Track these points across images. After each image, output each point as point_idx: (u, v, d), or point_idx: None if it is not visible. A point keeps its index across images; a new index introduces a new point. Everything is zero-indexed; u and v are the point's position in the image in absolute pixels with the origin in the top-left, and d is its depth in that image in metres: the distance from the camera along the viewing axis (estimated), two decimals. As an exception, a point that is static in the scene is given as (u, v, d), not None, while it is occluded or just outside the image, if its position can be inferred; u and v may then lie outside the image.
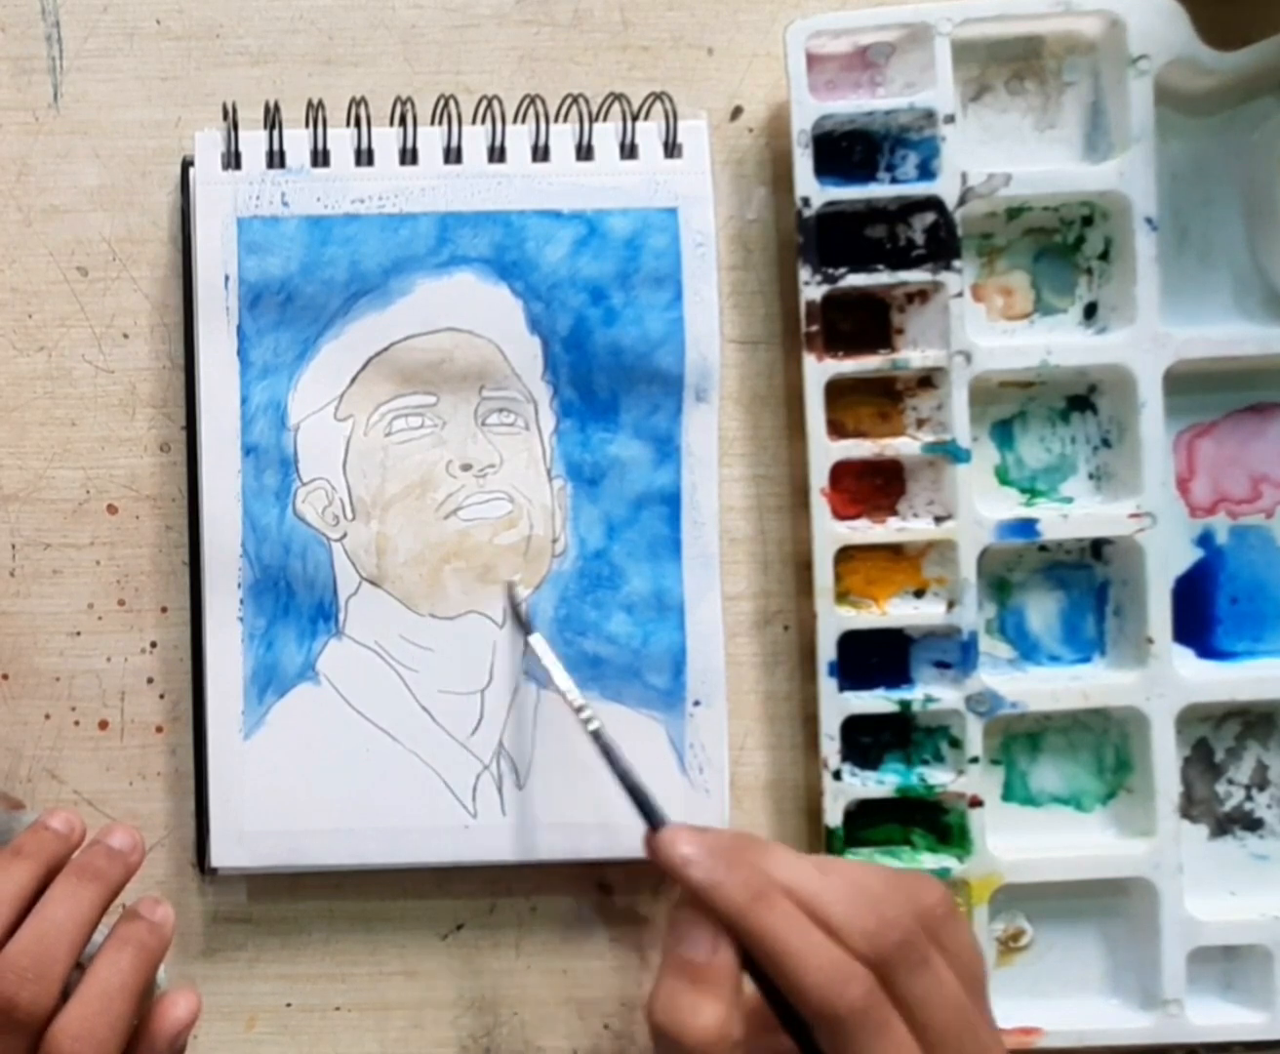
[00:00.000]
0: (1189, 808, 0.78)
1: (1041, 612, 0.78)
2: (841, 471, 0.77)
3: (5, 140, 0.79)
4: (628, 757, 0.70)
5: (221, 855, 0.75)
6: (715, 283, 0.76)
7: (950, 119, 0.75)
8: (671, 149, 0.76)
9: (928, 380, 0.77)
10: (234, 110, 0.76)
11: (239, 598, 0.75)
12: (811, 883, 0.63)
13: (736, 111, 0.79)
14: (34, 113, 0.79)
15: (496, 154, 0.76)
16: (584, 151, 0.76)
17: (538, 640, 0.74)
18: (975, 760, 0.76)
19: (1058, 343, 0.77)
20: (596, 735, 0.70)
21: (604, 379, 0.76)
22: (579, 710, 0.71)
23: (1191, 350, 0.75)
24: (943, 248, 0.76)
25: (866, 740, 0.77)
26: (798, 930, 0.62)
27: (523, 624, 0.75)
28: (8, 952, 0.64)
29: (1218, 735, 0.78)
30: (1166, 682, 0.76)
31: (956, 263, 0.76)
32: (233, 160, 0.76)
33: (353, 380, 0.76)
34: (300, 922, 0.78)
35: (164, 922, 0.69)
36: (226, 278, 0.75)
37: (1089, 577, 0.78)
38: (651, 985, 0.64)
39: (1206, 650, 0.78)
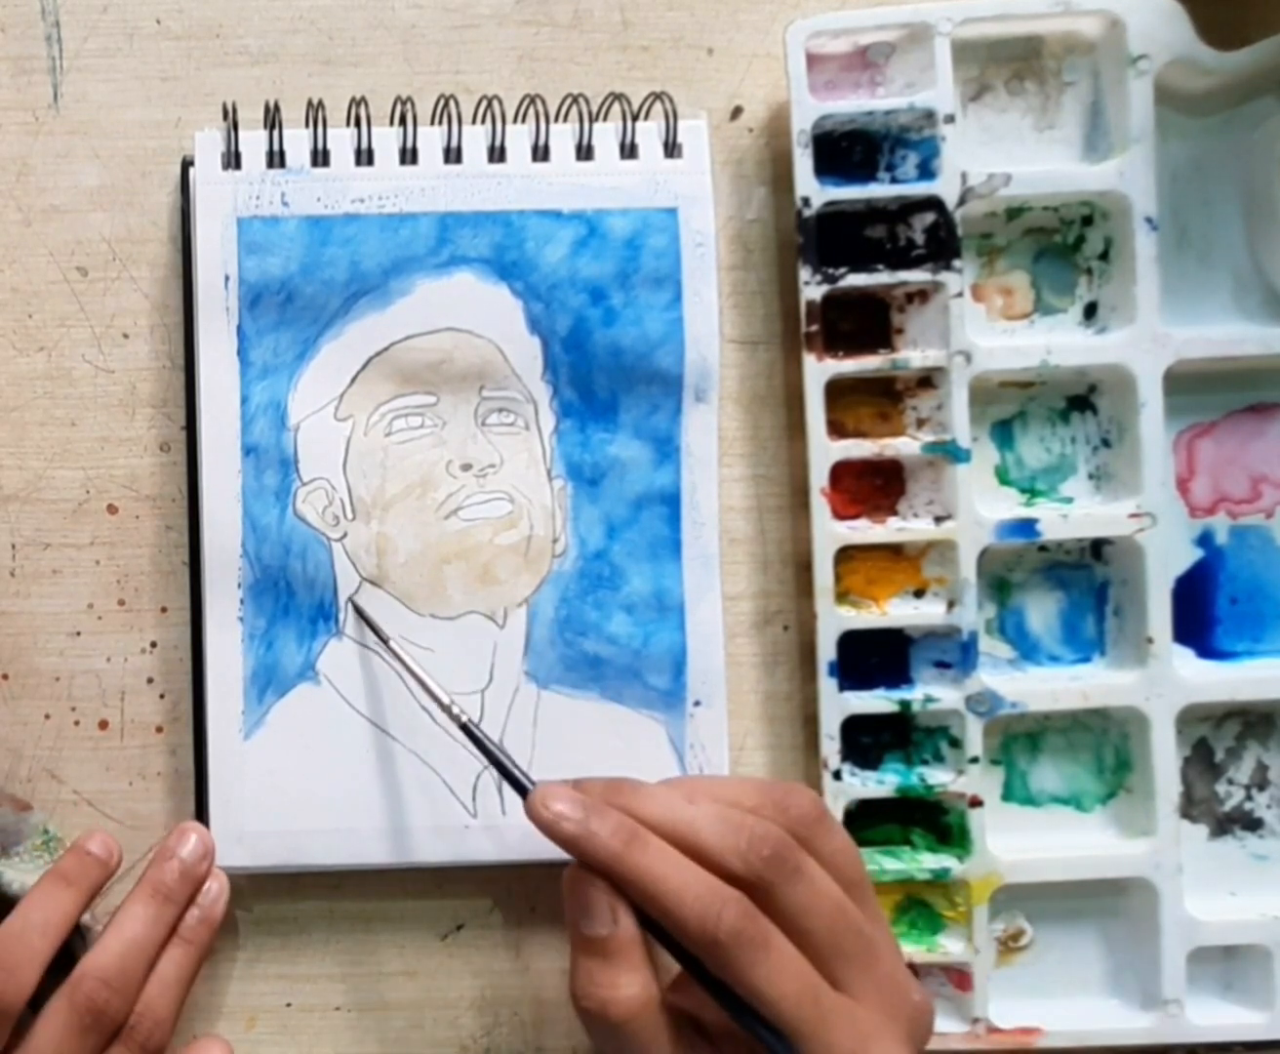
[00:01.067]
0: (1189, 808, 0.78)
1: (1041, 612, 0.78)
2: (841, 471, 0.77)
3: (5, 140, 0.79)
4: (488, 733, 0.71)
5: (222, 855, 0.75)
6: (715, 283, 0.76)
7: (950, 119, 0.75)
8: (671, 149, 0.76)
9: (928, 380, 0.77)
10: (234, 110, 0.76)
11: (239, 598, 0.75)
12: (680, 814, 0.65)
13: (736, 111, 0.79)
14: (34, 113, 0.78)
15: (496, 154, 0.76)
16: (584, 151, 0.76)
17: (396, 643, 0.74)
18: (975, 760, 0.76)
19: (1058, 343, 0.77)
20: (461, 723, 0.71)
21: (604, 379, 0.76)
22: (437, 697, 0.71)
23: (1191, 350, 0.75)
24: (943, 248, 0.76)
25: (866, 740, 0.77)
26: (670, 866, 0.63)
27: (376, 632, 0.75)
28: None
29: (1218, 735, 0.78)
30: (1166, 682, 0.75)
31: (956, 263, 0.76)
32: (233, 160, 0.75)
33: (353, 380, 0.76)
34: (300, 922, 0.78)
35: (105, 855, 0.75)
36: (226, 278, 0.75)
37: (1089, 577, 0.78)
38: (570, 966, 0.65)
39: (1206, 650, 0.78)
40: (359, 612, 0.75)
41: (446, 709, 0.71)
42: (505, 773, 0.68)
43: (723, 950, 0.62)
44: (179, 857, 0.74)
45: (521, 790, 0.67)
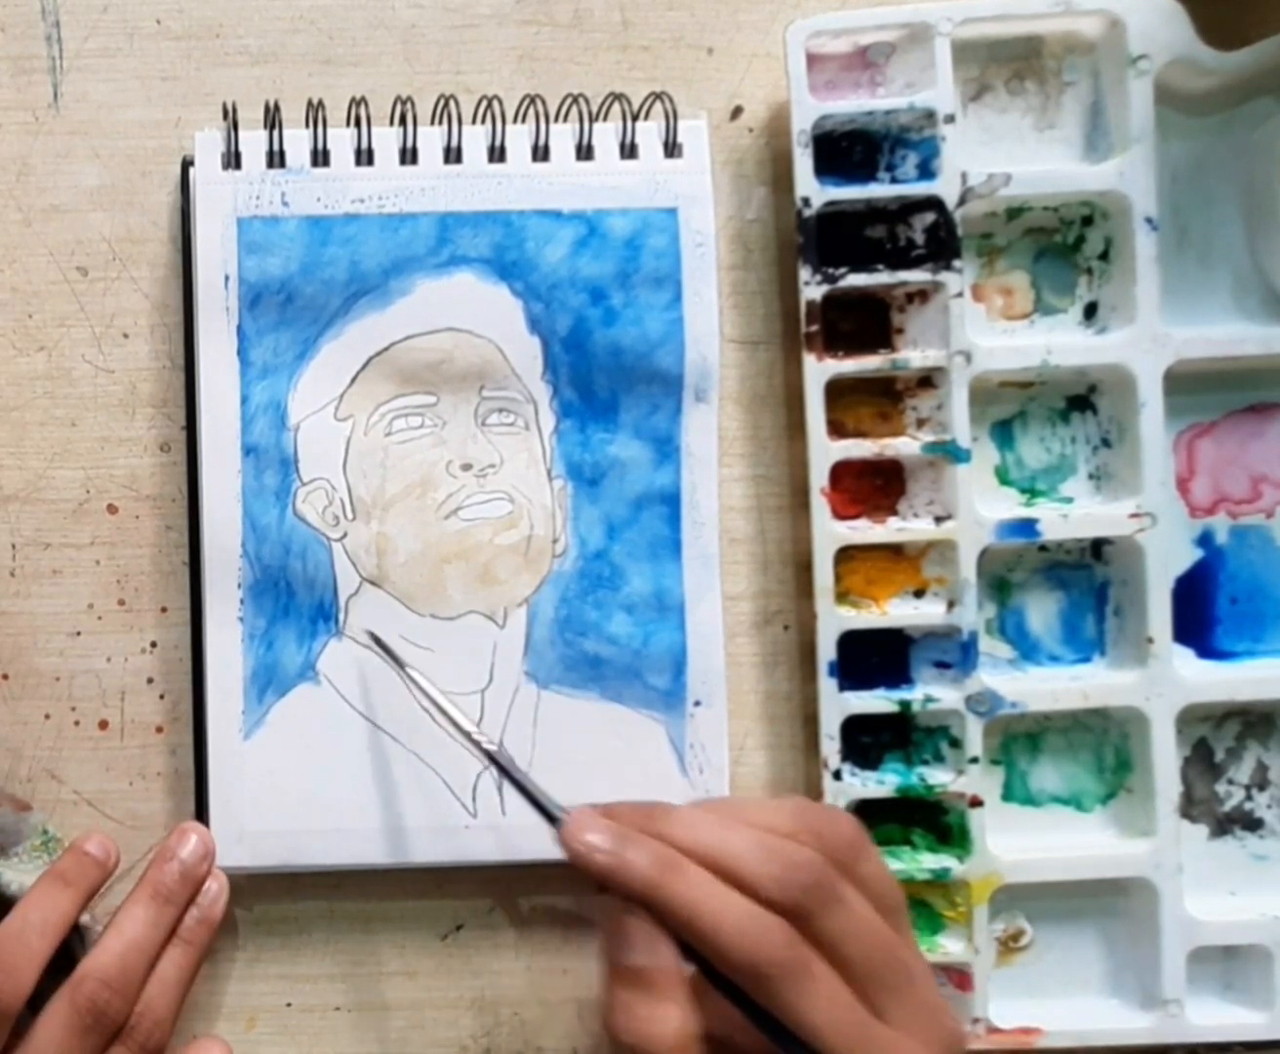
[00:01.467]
0: (1189, 808, 0.78)
1: (1041, 612, 0.78)
2: (841, 471, 0.77)
3: (5, 140, 0.78)
4: (518, 765, 0.70)
5: (222, 855, 0.75)
6: (715, 283, 0.76)
7: (950, 119, 0.75)
8: (671, 149, 0.76)
9: (928, 380, 0.77)
10: (234, 110, 0.76)
11: (239, 598, 0.75)
12: (715, 841, 0.63)
13: (736, 111, 0.79)
14: (34, 113, 0.78)
15: (496, 154, 0.76)
16: (584, 151, 0.76)
17: (414, 670, 0.74)
18: (975, 760, 0.76)
19: (1058, 343, 0.76)
20: (486, 750, 0.70)
21: (604, 379, 0.76)
22: (457, 723, 0.71)
23: (1191, 350, 0.75)
24: (943, 248, 0.76)
25: (866, 740, 0.77)
26: (709, 893, 0.62)
27: (394, 659, 0.75)
28: None
29: (1218, 735, 0.78)
30: (1166, 681, 0.75)
31: (956, 263, 0.76)
32: (233, 160, 0.75)
33: (353, 380, 0.76)
34: (300, 922, 0.78)
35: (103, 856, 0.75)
36: (226, 278, 0.75)
37: (1089, 577, 0.78)
38: (603, 999, 0.64)
39: (1206, 650, 0.78)
40: (378, 642, 0.75)
41: (469, 736, 0.70)
42: (534, 803, 0.68)
43: (765, 979, 0.61)
44: (179, 857, 0.74)
45: (552, 820, 0.66)
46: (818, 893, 0.62)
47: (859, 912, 0.63)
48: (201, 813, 0.76)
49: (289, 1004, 0.78)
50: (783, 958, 0.61)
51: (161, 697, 0.78)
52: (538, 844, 0.74)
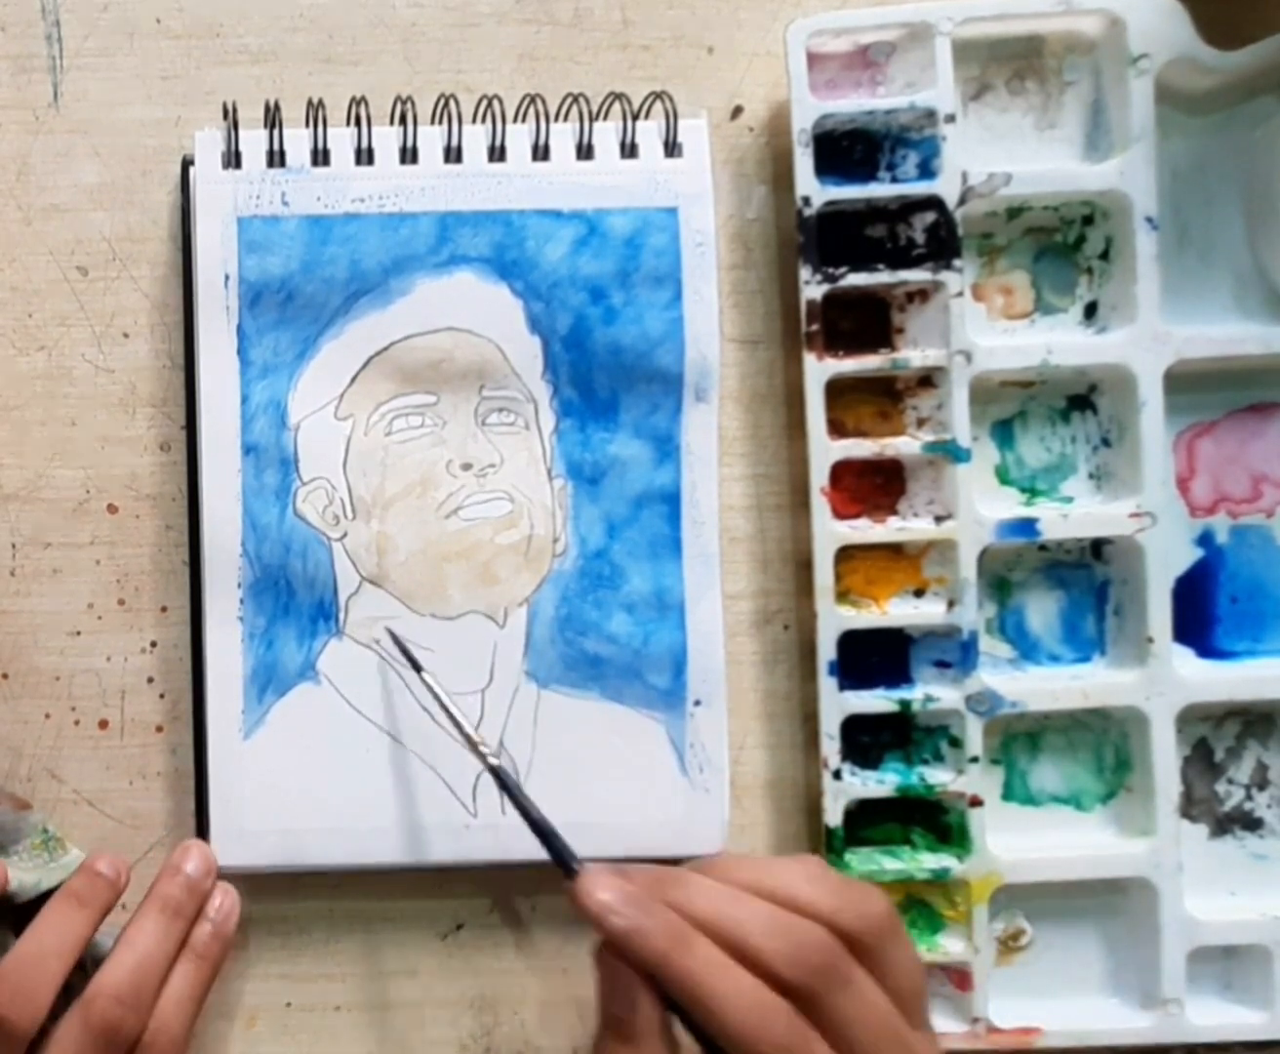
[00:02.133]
0: (1189, 807, 0.78)
1: (1041, 611, 0.78)
2: (842, 471, 0.77)
3: (5, 140, 0.78)
4: (533, 801, 0.69)
5: (222, 855, 0.75)
6: (715, 282, 0.76)
7: (951, 118, 0.75)
8: (671, 148, 0.76)
9: (928, 380, 0.77)
10: (234, 109, 0.75)
11: (239, 597, 0.75)
12: (730, 914, 0.63)
13: (736, 111, 0.79)
14: (34, 112, 0.78)
15: (496, 153, 0.76)
16: (584, 151, 0.76)
17: (430, 676, 0.73)
18: (975, 760, 0.76)
19: (1058, 342, 0.76)
20: (497, 773, 0.70)
21: (604, 378, 0.76)
22: (477, 746, 0.71)
23: (1192, 349, 0.75)
24: (943, 247, 0.76)
25: (866, 740, 0.77)
26: (718, 971, 0.62)
27: (412, 662, 0.74)
28: (1, 971, 0.69)
29: (1218, 735, 0.78)
30: (1166, 681, 0.75)
31: (957, 262, 0.76)
32: (233, 159, 0.75)
33: (353, 380, 0.76)
34: (300, 922, 0.78)
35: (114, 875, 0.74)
36: (226, 277, 0.75)
37: (1089, 576, 0.78)
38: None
39: (1206, 650, 0.78)
40: (398, 642, 0.75)
41: (483, 758, 0.70)
42: (546, 842, 0.68)
43: None
44: (185, 872, 0.74)
45: (565, 867, 0.66)
46: (827, 975, 0.62)
47: (869, 997, 0.63)
48: (201, 812, 0.76)
49: (289, 1004, 0.78)
50: (783, 1042, 0.61)
51: (161, 696, 0.78)
52: (537, 844, 0.74)
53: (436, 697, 0.72)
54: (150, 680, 0.78)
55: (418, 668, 0.74)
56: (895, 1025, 0.63)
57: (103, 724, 0.78)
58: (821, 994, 0.62)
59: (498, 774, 0.70)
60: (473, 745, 0.70)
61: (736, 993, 0.61)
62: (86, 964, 0.72)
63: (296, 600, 0.75)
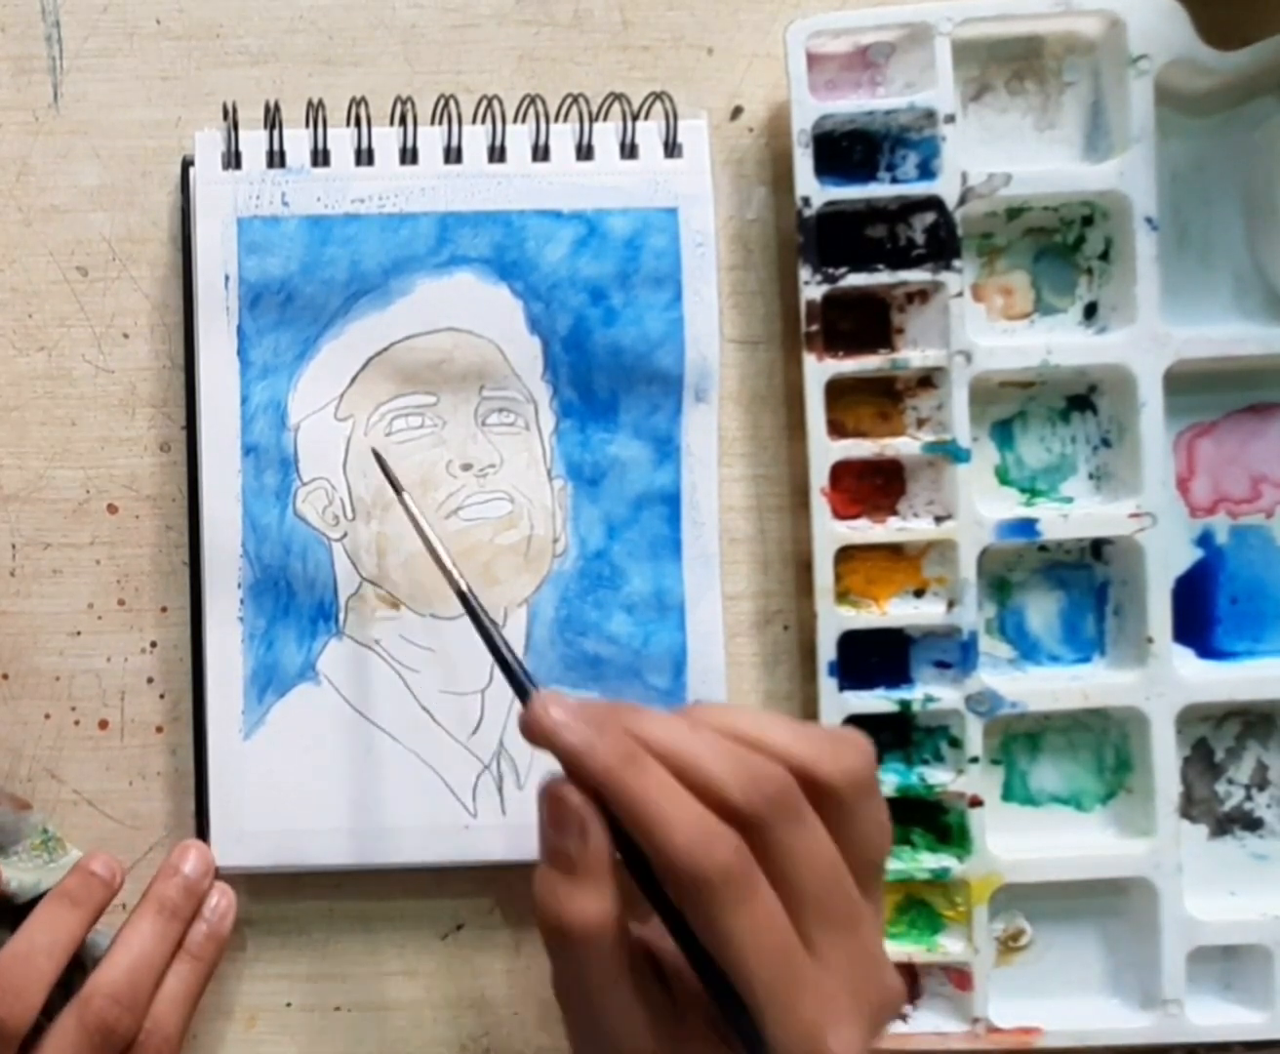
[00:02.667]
0: (1189, 808, 0.78)
1: (1041, 611, 0.78)
2: (841, 471, 0.76)
3: (5, 140, 0.78)
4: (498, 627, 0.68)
5: (221, 855, 0.75)
6: (715, 282, 0.76)
7: (950, 119, 0.75)
8: (671, 149, 0.76)
9: (928, 380, 0.77)
10: (234, 110, 0.75)
11: (239, 598, 0.75)
12: (684, 741, 0.61)
13: (736, 111, 0.79)
14: (34, 113, 0.78)
15: (496, 154, 0.76)
16: (584, 151, 0.76)
17: (409, 498, 0.72)
18: (975, 760, 0.75)
19: (1058, 342, 0.76)
20: (464, 598, 0.68)
21: (604, 379, 0.76)
22: (449, 572, 0.69)
23: (1192, 350, 0.75)
24: (943, 247, 0.76)
25: (866, 740, 0.77)
26: (667, 793, 0.59)
27: (393, 483, 0.73)
28: None
29: (1218, 735, 0.78)
30: (1166, 681, 0.75)
31: (956, 262, 0.76)
32: (233, 160, 0.75)
33: (353, 380, 0.75)
34: (300, 922, 0.78)
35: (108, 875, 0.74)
36: (226, 278, 0.75)
37: (1089, 576, 0.78)
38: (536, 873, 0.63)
39: (1206, 650, 0.77)
40: (379, 460, 0.74)
41: (448, 575, 0.69)
42: (505, 669, 0.66)
43: (705, 889, 0.58)
44: (182, 872, 0.74)
45: (521, 693, 0.65)
46: (779, 806, 0.60)
47: (818, 837, 0.61)
48: (201, 812, 0.76)
49: (289, 1004, 0.78)
50: (728, 867, 0.58)
51: (161, 697, 0.78)
52: (537, 844, 0.74)
53: (414, 521, 0.71)
54: (150, 681, 0.78)
55: (398, 489, 0.73)
56: (841, 877, 0.61)
57: (103, 724, 0.78)
58: (770, 826, 0.59)
59: (464, 598, 0.68)
60: (446, 572, 0.69)
61: (683, 815, 0.59)
62: (87, 964, 0.72)
63: (296, 601, 0.75)
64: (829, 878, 0.61)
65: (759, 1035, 0.59)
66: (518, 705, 0.74)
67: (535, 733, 0.62)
